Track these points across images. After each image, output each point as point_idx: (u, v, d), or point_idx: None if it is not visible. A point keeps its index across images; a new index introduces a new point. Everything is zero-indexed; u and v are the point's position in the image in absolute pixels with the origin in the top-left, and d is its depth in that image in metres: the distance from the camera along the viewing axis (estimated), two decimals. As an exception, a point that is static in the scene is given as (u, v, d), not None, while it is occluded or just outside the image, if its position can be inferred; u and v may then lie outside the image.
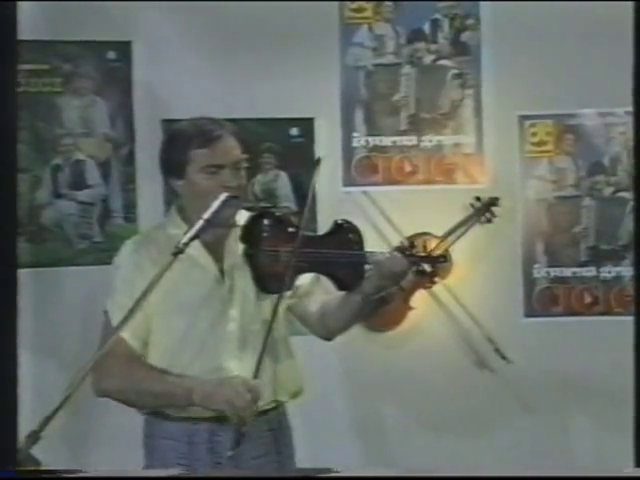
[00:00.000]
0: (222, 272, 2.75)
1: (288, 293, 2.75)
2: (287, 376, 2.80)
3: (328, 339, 2.89)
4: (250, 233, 2.71)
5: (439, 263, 2.76)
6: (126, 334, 2.64)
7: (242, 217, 2.75)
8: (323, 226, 2.88)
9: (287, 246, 2.67)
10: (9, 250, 2.44)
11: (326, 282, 2.78)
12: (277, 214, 2.78)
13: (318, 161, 2.80)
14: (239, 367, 2.69)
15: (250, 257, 2.70)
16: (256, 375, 2.58)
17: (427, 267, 2.69)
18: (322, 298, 2.84)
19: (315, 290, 2.85)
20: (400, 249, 2.69)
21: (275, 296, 2.68)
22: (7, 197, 2.43)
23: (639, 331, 2.63)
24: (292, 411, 2.87)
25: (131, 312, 2.36)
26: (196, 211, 2.59)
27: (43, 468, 2.19)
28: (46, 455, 2.17)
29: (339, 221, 2.76)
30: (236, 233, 2.74)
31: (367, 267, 2.71)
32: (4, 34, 2.50)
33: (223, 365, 2.70)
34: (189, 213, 2.72)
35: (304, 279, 2.80)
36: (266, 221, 2.73)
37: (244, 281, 2.74)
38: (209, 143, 2.68)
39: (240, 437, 2.51)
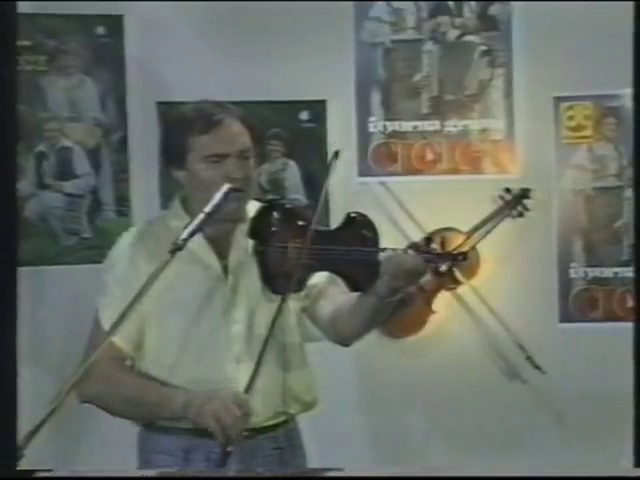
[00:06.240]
0: (225, 269, 2.68)
1: (302, 294, 2.69)
2: (299, 386, 2.72)
3: (344, 344, 2.81)
4: (258, 227, 2.65)
5: (457, 261, 2.60)
6: (115, 336, 2.56)
7: (251, 210, 2.70)
8: (336, 220, 2.78)
9: (296, 242, 2.60)
10: (8, 250, 2.33)
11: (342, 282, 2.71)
12: (287, 206, 2.73)
13: (336, 154, 2.69)
14: (241, 376, 2.59)
15: (260, 254, 2.64)
16: (248, 389, 2.48)
17: (444, 266, 2.58)
18: (337, 299, 2.74)
19: (330, 291, 2.76)
20: (414, 246, 2.58)
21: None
22: (6, 196, 2.34)
23: (639, 333, 2.61)
24: (304, 424, 2.79)
25: (123, 315, 2.30)
26: (200, 203, 2.54)
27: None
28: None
29: (352, 214, 2.66)
30: (243, 227, 2.68)
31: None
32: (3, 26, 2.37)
33: (224, 373, 2.63)
34: (192, 205, 2.67)
35: (318, 278, 2.71)
36: (275, 214, 2.66)
37: (250, 280, 2.67)
38: (211, 129, 2.62)
39: (226, 456, 2.42)
